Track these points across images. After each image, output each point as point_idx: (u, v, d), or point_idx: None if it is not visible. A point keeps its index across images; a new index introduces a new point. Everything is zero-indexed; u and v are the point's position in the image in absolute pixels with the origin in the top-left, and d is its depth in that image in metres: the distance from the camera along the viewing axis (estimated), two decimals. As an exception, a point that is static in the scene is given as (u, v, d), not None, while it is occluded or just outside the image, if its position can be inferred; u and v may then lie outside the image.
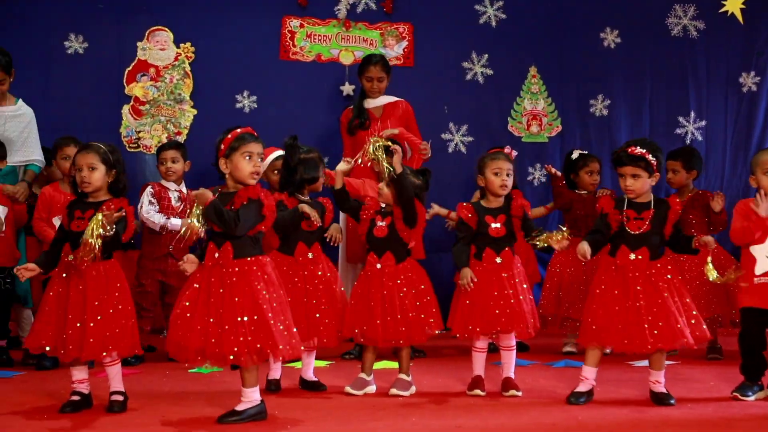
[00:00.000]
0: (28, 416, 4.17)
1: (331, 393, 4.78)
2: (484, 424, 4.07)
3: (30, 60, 6.81)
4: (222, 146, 4.14)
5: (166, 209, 5.88)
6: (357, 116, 6.34)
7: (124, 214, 4.20)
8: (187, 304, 4.05)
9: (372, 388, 4.79)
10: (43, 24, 7.04)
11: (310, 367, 4.92)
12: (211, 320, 3.98)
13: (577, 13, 7.73)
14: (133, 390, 4.48)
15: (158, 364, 5.65)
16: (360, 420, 4.15)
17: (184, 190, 5.98)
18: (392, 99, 6.42)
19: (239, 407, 4.07)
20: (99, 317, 4.15)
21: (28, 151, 5.92)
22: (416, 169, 4.99)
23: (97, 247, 4.08)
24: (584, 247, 4.45)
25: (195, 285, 4.08)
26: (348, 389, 4.73)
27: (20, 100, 6.02)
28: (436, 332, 4.76)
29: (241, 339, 3.94)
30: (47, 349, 4.21)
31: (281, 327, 4.03)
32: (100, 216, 4.11)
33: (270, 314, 4.00)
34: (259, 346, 3.97)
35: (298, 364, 4.98)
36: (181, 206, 5.92)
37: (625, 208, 4.52)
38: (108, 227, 4.10)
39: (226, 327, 3.95)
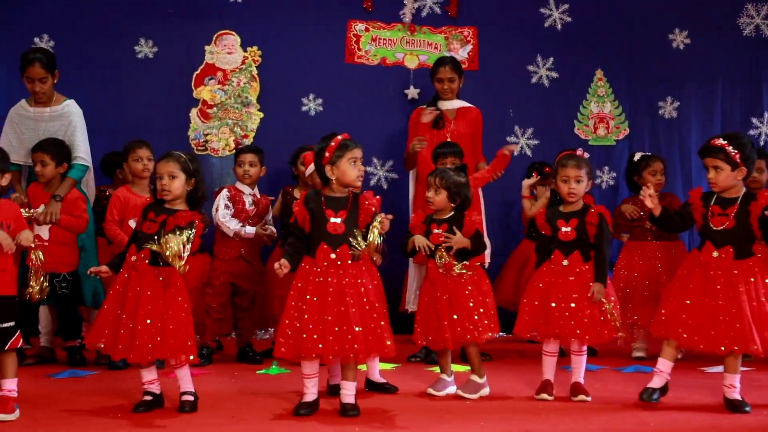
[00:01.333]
0: (103, 415, 4.24)
1: (398, 395, 4.78)
2: (553, 429, 4.04)
3: (101, 64, 6.95)
4: (326, 153, 4.31)
5: (240, 213, 5.92)
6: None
7: (190, 234, 4.20)
8: (305, 307, 4.20)
9: (452, 389, 4.80)
10: (115, 29, 7.17)
11: (376, 368, 4.93)
12: (329, 318, 4.17)
13: (645, 15, 7.63)
14: (203, 390, 4.53)
15: (227, 365, 5.70)
16: (428, 422, 4.14)
17: (258, 194, 6.03)
18: (466, 104, 6.41)
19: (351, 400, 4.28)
20: (149, 321, 4.19)
21: (72, 149, 5.86)
22: (455, 167, 4.97)
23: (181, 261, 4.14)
24: (654, 202, 4.49)
25: (306, 294, 4.21)
26: (430, 390, 4.75)
27: (70, 100, 5.98)
28: (496, 335, 4.77)
29: (361, 337, 4.16)
30: (101, 346, 4.27)
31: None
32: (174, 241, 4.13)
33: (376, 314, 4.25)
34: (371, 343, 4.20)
35: (362, 367, 4.99)
36: (255, 210, 5.96)
37: (711, 203, 4.46)
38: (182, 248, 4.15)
39: (344, 327, 4.16)
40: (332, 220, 4.28)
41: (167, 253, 4.06)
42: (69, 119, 5.93)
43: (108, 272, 4.37)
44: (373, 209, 4.31)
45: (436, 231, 4.75)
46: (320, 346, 4.15)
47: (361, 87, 7.43)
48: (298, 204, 4.39)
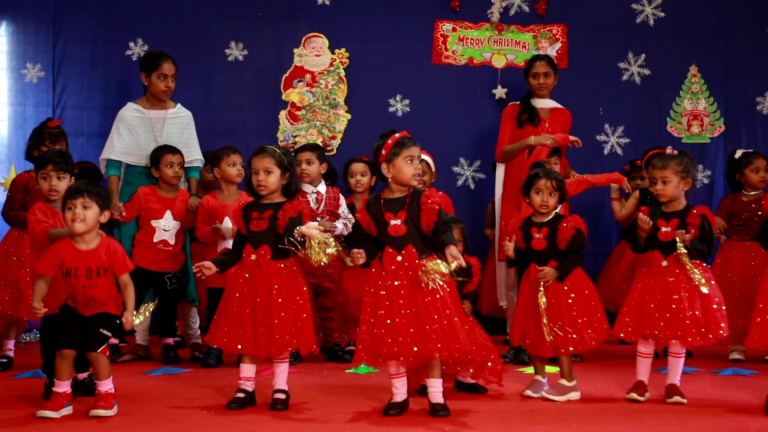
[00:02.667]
0: (197, 412, 4.31)
1: (487, 396, 4.74)
2: (648, 431, 3.95)
3: (193, 67, 7.08)
4: (383, 151, 4.26)
5: None
6: (525, 111, 6.25)
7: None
8: (382, 312, 4.20)
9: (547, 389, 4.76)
10: (206, 32, 7.30)
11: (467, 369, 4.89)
12: (399, 321, 4.15)
13: (741, 9, 7.44)
14: (293, 389, 4.56)
15: (316, 364, 5.74)
16: (519, 424, 4.09)
17: (323, 191, 6.00)
18: (558, 105, 6.34)
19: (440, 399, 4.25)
20: (283, 314, 4.29)
21: (189, 152, 6.11)
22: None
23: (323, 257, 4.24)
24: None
25: (378, 298, 4.22)
26: (527, 392, 4.69)
27: (179, 104, 6.23)
28: (605, 339, 4.69)
29: (440, 334, 4.13)
30: (239, 347, 4.33)
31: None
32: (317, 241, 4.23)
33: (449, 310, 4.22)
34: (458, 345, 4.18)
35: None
36: (319, 207, 5.96)
37: None
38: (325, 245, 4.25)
39: (435, 326, 4.13)
40: (392, 222, 4.25)
41: (315, 245, 4.17)
42: (186, 121, 6.16)
43: (212, 268, 4.42)
44: (437, 208, 4.23)
45: (536, 236, 4.69)
46: (396, 349, 4.13)
47: (448, 87, 7.41)
48: (360, 211, 4.40)
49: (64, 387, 4.21)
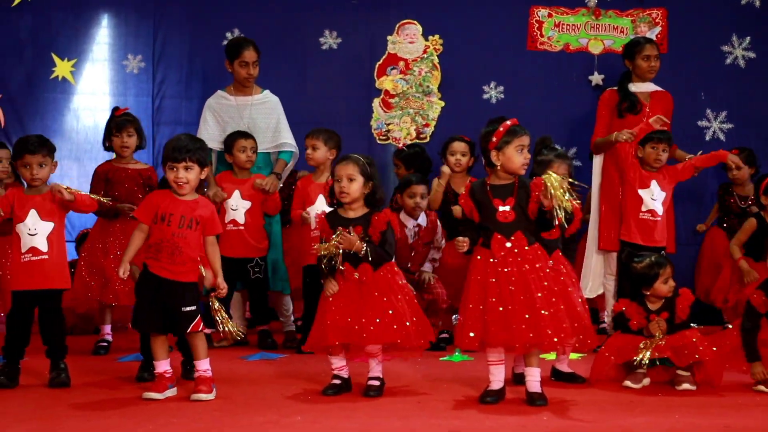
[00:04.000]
0: (293, 397, 4.35)
1: (586, 386, 4.66)
2: (755, 425, 3.82)
3: (287, 57, 7.14)
4: (494, 138, 4.22)
5: None
6: (625, 99, 6.11)
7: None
8: (494, 299, 4.16)
9: (647, 381, 4.67)
10: (300, 21, 7.33)
11: (565, 358, 4.82)
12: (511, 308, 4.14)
13: None
14: (388, 376, 4.56)
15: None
16: (619, 415, 4.01)
17: (423, 223, 5.95)
18: (658, 88, 6.18)
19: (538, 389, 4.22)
20: (391, 311, 4.31)
21: (278, 136, 6.17)
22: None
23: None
24: None
25: (486, 285, 4.20)
26: (627, 383, 4.62)
27: (267, 90, 6.29)
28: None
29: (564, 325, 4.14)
30: (336, 344, 4.35)
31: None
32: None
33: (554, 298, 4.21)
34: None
35: (551, 356, 4.87)
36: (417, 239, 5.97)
37: None
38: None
39: (550, 311, 4.13)
40: (501, 208, 4.21)
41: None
42: (273, 107, 6.22)
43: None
44: (537, 194, 4.16)
45: None
46: (508, 336, 4.10)
47: (543, 74, 7.28)
48: (463, 196, 4.36)
49: (163, 366, 4.30)
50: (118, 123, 5.75)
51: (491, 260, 4.20)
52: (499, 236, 4.19)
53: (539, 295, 4.12)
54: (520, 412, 4.06)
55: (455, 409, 4.11)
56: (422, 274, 5.87)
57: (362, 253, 4.28)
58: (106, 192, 5.62)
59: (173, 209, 4.27)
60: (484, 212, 4.26)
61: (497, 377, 4.24)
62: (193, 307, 4.28)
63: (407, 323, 4.33)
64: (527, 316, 4.09)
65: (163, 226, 4.26)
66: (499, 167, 4.24)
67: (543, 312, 4.09)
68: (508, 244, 4.18)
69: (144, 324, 4.33)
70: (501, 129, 4.21)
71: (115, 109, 5.93)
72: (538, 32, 7.30)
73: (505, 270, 4.16)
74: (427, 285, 5.84)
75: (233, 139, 5.92)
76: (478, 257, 4.26)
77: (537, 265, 4.19)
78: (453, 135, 6.34)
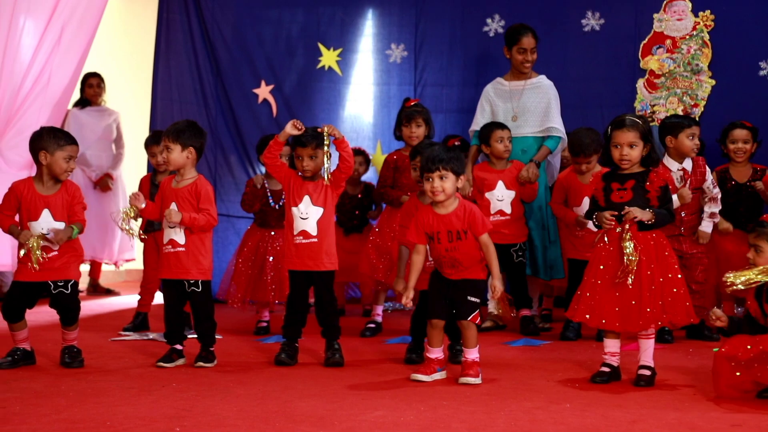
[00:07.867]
0: (560, 384, 4.31)
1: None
2: None
3: (548, 40, 7.02)
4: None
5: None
6: None
7: None
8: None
9: None
10: (562, 4, 7.25)
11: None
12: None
13: None
14: (661, 365, 4.42)
15: (681, 342, 5.51)
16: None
17: (689, 167, 5.66)
18: None
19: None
20: (653, 287, 4.22)
21: (546, 120, 6.17)
22: None
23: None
24: None
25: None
26: None
27: (543, 75, 6.32)
28: None
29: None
30: (603, 322, 4.28)
31: None
32: None
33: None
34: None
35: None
36: (685, 185, 5.64)
37: None
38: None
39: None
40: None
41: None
42: (545, 91, 6.25)
43: None
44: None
45: None
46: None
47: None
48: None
49: (436, 353, 4.40)
50: (407, 113, 5.95)
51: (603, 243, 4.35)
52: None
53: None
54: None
55: (732, 401, 3.91)
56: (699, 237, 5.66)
57: (650, 221, 4.23)
58: (395, 180, 5.85)
59: (438, 226, 4.35)
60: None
61: None
62: (478, 300, 4.38)
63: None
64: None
65: (434, 245, 4.37)
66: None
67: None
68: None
69: (433, 313, 4.43)
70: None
71: (405, 100, 6.13)
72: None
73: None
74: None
75: (490, 129, 5.95)
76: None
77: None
78: (734, 121, 6.00)
